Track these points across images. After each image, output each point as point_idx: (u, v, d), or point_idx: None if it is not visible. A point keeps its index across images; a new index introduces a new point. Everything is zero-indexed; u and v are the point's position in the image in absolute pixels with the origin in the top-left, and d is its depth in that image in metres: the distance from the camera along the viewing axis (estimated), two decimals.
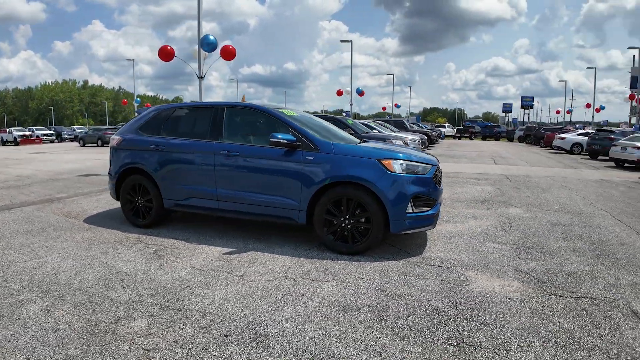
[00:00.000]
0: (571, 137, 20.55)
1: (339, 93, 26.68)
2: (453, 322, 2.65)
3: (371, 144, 4.56)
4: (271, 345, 2.31)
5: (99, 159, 15.20)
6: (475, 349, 2.33)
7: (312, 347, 2.30)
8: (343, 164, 3.84)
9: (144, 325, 2.51)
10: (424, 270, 3.60)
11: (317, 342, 2.35)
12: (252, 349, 2.27)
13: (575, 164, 14.63)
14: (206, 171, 4.44)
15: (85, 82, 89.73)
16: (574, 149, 19.80)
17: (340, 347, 2.30)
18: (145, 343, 2.31)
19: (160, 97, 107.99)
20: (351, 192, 3.81)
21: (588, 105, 35.76)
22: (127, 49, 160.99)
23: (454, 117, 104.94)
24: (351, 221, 3.85)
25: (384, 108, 45.05)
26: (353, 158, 3.87)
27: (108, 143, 26.60)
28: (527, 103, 65.10)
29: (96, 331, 2.43)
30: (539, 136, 28.05)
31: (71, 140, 34.97)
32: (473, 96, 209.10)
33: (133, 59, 29.73)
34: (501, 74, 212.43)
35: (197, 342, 2.32)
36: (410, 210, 3.77)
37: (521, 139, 34.62)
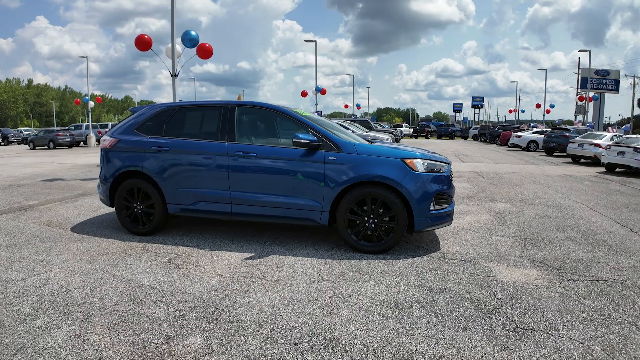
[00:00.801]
0: (527, 135, 22.09)
1: (304, 94, 26.82)
2: (500, 310, 2.82)
3: (386, 144, 4.68)
4: (347, 349, 2.28)
5: (58, 162, 14.20)
6: (531, 332, 2.52)
7: (388, 346, 2.32)
8: (368, 163, 3.88)
9: (200, 342, 2.34)
10: (450, 264, 3.75)
11: (390, 341, 2.37)
12: (331, 355, 2.23)
13: (535, 161, 15.75)
14: (218, 173, 4.26)
15: (30, 81, 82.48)
16: (530, 146, 21.29)
17: (414, 344, 2.34)
18: None
19: (109, 96, 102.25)
20: (376, 192, 3.85)
21: (538, 105, 38.60)
22: (72, 46, 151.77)
23: (407, 117, 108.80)
24: (375, 220, 3.90)
25: (346, 106, 45.79)
26: (377, 158, 3.92)
27: (61, 145, 24.56)
28: (477, 103, 68.90)
29: (149, 354, 2.23)
30: (494, 134, 29.86)
31: (18, 142, 32.69)
32: (424, 96, 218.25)
33: (86, 57, 27.82)
34: (450, 75, 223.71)
35: (270, 355, 2.22)
36: (432, 208, 3.90)
37: (475, 137, 36.71)
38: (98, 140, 26.77)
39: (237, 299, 2.95)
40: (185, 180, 4.39)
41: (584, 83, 29.60)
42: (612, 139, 13.32)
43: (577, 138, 14.97)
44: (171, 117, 4.66)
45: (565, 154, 16.18)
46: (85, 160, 15.32)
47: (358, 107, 54.93)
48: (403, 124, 52.21)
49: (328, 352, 2.27)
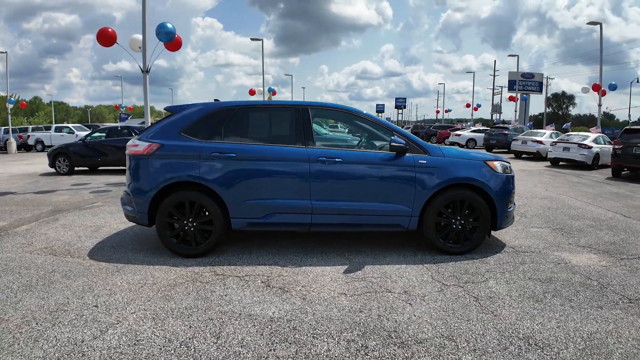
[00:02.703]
0: (466, 133, 24.40)
1: (252, 92, 26.47)
2: (606, 289, 3.38)
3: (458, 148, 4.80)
4: (547, 344, 2.48)
5: None
6: None
7: (572, 333, 2.63)
8: (456, 166, 4.08)
9: None
10: (528, 257, 4.15)
11: (570, 329, 2.68)
12: (543, 352, 2.40)
13: None
14: (298, 181, 4.01)
15: None
16: (468, 144, 23.51)
17: (587, 326, 2.72)
18: None
19: (16, 97, 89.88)
20: (464, 194, 4.08)
21: (468, 105, 42.65)
22: None
23: None
24: (462, 222, 4.15)
25: None
26: (464, 161, 4.16)
27: None
28: (400, 104, 73.35)
29: None
30: (430, 133, 32.32)
31: None
32: (345, 97, 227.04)
33: (6, 52, 24.14)
34: (370, 76, 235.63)
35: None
36: (509, 207, 4.35)
37: None
38: (20, 146, 23.52)
39: (394, 317, 2.85)
40: (256, 190, 4.03)
41: (511, 85, 33.50)
42: (551, 136, 15.34)
43: (520, 136, 17.03)
44: (230, 118, 4.21)
45: (505, 150, 18.26)
46: (21, 169, 13.37)
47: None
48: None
49: (537, 351, 2.43)
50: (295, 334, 2.63)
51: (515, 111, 32.28)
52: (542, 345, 2.50)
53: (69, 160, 11.54)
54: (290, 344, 2.51)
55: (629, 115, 45.73)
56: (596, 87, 18.79)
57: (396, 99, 73.54)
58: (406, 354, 2.39)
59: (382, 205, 4.08)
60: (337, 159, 4.04)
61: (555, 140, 14.65)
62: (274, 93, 26.42)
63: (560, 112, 79.11)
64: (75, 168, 11.78)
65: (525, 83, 34.87)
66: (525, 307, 3.04)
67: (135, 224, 4.54)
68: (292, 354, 2.40)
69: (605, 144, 14.02)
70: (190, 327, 2.72)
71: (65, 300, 3.14)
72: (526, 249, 4.47)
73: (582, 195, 8.07)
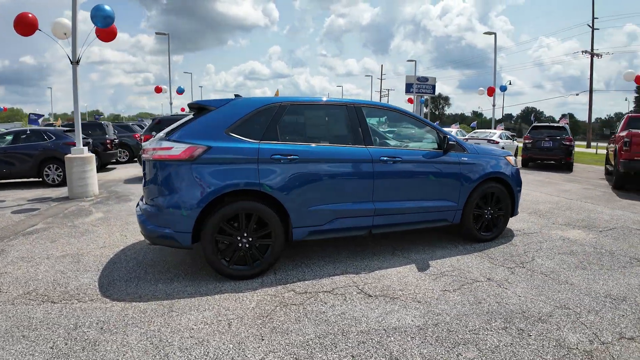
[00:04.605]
0: None
1: (158, 90, 24.83)
2: (614, 254, 4.41)
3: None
4: (623, 297, 3.27)
5: None
6: None
7: (627, 286, 3.53)
8: (489, 162, 4.72)
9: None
10: (536, 237, 5.07)
11: (624, 284, 3.58)
12: (624, 302, 3.16)
13: None
14: (362, 183, 3.99)
15: None
16: None
17: (628, 279, 3.67)
18: None
19: None
20: (494, 186, 4.75)
21: None
22: None
23: None
24: (492, 211, 4.84)
25: (182, 109, 43.81)
26: (493, 157, 4.83)
27: None
28: None
29: None
30: None
31: None
32: None
33: None
34: (258, 77, 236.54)
35: None
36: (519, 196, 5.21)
37: None
38: None
39: (506, 301, 3.26)
40: (320, 195, 3.83)
41: (408, 87, 37.09)
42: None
43: (473, 135, 18.21)
44: (283, 116, 3.90)
45: None
46: None
47: (182, 109, 53.26)
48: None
49: (622, 304, 3.20)
50: (458, 335, 2.72)
51: (413, 112, 35.89)
52: (621, 298, 3.30)
53: None
54: (466, 344, 2.61)
55: (493, 113, 53.91)
56: (491, 90, 21.98)
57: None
58: (551, 327, 2.86)
59: (434, 202, 4.43)
60: (397, 158, 4.18)
61: (467, 137, 16.77)
62: (181, 92, 25.30)
63: (437, 112, 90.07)
64: None
65: (420, 86, 38.97)
66: (581, 274, 3.86)
67: (155, 245, 4.12)
68: (477, 355, 2.49)
69: (506, 139, 16.56)
70: (353, 356, 2.48)
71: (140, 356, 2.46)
72: (529, 231, 5.40)
73: (533, 186, 9.65)
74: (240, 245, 3.62)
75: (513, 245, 4.79)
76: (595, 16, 31.86)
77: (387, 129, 5.18)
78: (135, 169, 13.39)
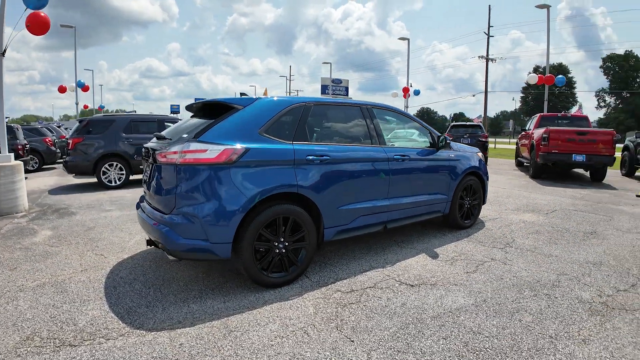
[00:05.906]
0: None
1: (62, 89, 22.34)
2: (568, 230, 5.40)
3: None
4: (601, 262, 4.15)
5: None
6: (595, 234, 5.22)
7: (597, 252, 4.43)
8: (468, 158, 5.46)
9: None
10: (500, 222, 5.95)
11: (594, 252, 4.46)
12: (605, 266, 4.02)
13: None
14: (380, 181, 4.29)
15: None
16: None
17: (597, 248, 4.55)
18: None
19: None
20: (472, 179, 5.52)
21: None
22: None
23: None
24: (470, 201, 5.60)
25: (85, 106, 39.77)
26: (471, 154, 5.58)
27: None
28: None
29: None
30: None
31: None
32: (129, 97, 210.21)
33: None
34: (156, 75, 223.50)
35: None
36: None
37: None
38: None
39: (525, 275, 3.89)
40: (346, 194, 3.99)
41: (324, 89, 38.32)
42: None
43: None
44: (307, 116, 3.94)
45: None
46: None
47: (102, 107, 48.67)
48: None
49: (602, 268, 4.07)
50: (507, 306, 3.18)
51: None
52: (599, 263, 4.19)
53: None
54: (519, 312, 3.07)
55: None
56: (405, 90, 24.02)
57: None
58: (566, 290, 3.56)
59: (434, 195, 5.01)
60: (405, 156, 4.59)
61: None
62: (86, 88, 23.12)
63: None
64: None
65: (335, 88, 40.67)
66: (558, 248, 4.74)
67: (174, 259, 3.84)
68: (533, 319, 2.95)
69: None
70: (445, 338, 2.70)
71: None
72: (492, 217, 6.31)
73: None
74: (277, 251, 3.54)
75: (489, 229, 5.58)
76: (490, 24, 36.38)
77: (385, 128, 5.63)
78: (51, 178, 11.87)
